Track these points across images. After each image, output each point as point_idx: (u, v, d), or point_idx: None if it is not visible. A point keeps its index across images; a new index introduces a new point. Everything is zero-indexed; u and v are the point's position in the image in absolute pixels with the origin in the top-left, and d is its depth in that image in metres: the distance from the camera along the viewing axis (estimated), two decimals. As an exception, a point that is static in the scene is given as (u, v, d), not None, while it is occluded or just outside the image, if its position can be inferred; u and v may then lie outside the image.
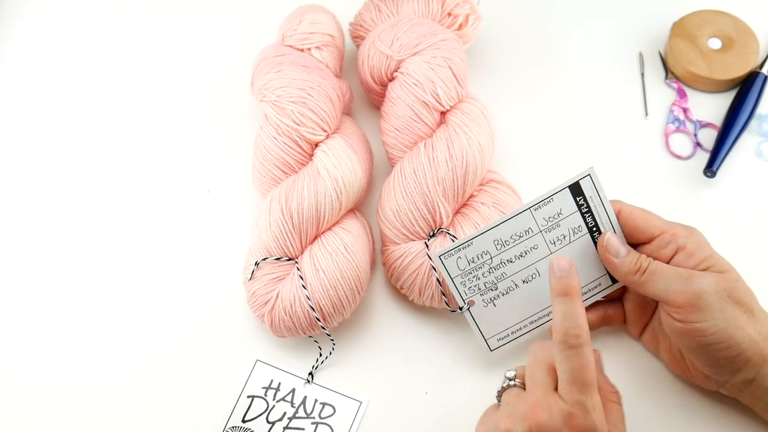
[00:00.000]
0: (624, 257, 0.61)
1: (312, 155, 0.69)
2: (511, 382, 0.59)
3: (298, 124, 0.68)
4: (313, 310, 0.65)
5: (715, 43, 0.81)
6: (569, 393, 0.54)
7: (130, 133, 0.80)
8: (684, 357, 0.63)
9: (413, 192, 0.67)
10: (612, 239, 0.62)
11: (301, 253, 0.67)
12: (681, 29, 0.82)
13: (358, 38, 0.78)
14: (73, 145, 0.79)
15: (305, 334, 0.67)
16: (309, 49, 0.74)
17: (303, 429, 0.66)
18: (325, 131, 0.69)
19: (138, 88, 0.83)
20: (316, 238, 0.68)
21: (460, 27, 0.76)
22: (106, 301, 0.71)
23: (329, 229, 0.68)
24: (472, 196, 0.70)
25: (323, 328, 0.66)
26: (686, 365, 0.64)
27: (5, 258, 0.74)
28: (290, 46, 0.74)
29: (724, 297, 0.58)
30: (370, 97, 0.77)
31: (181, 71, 0.84)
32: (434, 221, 0.67)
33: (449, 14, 0.76)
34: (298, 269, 0.66)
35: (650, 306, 0.65)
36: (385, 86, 0.73)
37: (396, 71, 0.71)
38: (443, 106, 0.70)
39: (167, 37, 0.86)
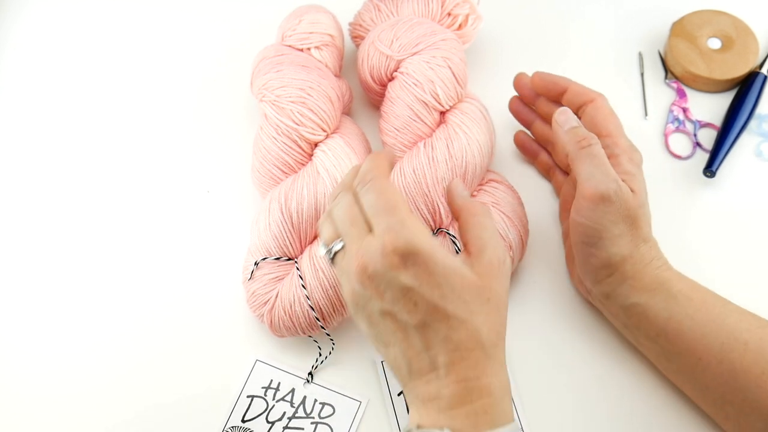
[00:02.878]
0: (571, 128, 0.63)
1: (311, 155, 0.69)
2: (332, 250, 0.57)
3: (298, 124, 0.68)
4: (313, 309, 0.65)
5: (715, 43, 0.81)
6: (376, 225, 0.53)
7: (130, 132, 0.80)
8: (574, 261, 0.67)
9: (413, 191, 0.67)
10: (566, 109, 0.65)
11: (301, 253, 0.67)
12: (681, 29, 0.82)
13: (357, 38, 0.78)
14: (72, 145, 0.79)
15: (305, 333, 0.67)
16: (308, 49, 0.74)
17: (303, 429, 0.66)
18: (324, 131, 0.69)
19: (138, 87, 0.83)
20: (315, 237, 0.68)
21: (460, 27, 0.76)
22: (106, 301, 0.71)
23: (329, 229, 0.68)
24: (472, 195, 0.69)
25: (323, 327, 0.66)
26: (574, 270, 0.68)
27: (3, 258, 0.74)
28: (290, 46, 0.74)
29: (623, 214, 0.61)
30: (369, 96, 0.77)
31: (181, 71, 0.84)
32: (434, 221, 0.68)
33: (449, 14, 0.76)
34: (297, 269, 0.66)
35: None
36: (384, 86, 0.73)
37: (396, 71, 0.71)
38: (443, 106, 0.70)
39: (167, 36, 0.86)
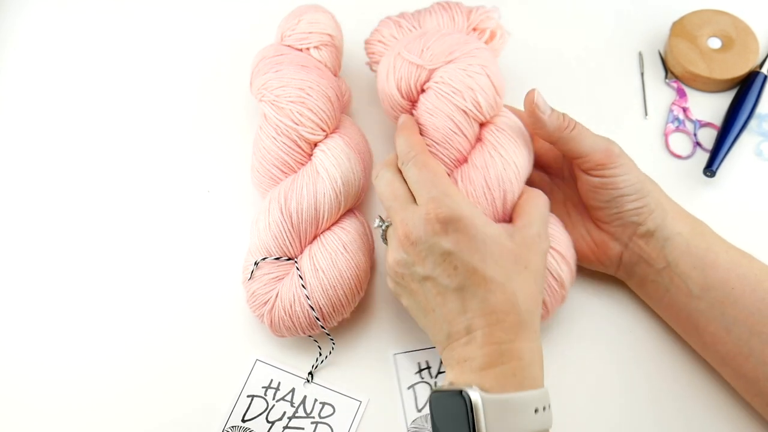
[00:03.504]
0: (551, 114, 0.64)
1: (311, 155, 0.69)
2: (383, 226, 0.63)
3: (297, 124, 0.68)
4: (313, 309, 0.65)
5: (715, 43, 0.81)
6: (419, 197, 0.60)
7: (130, 132, 0.80)
8: (589, 232, 0.68)
9: None
10: (540, 96, 0.64)
11: (301, 253, 0.67)
12: (681, 29, 0.82)
13: (374, 55, 0.75)
14: (72, 146, 0.79)
15: (305, 333, 0.67)
16: (308, 48, 0.74)
17: (303, 428, 0.66)
18: (324, 131, 0.69)
19: (137, 87, 0.83)
20: (315, 237, 0.68)
21: (486, 43, 0.73)
22: (106, 301, 0.71)
23: (328, 228, 0.68)
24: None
25: (323, 327, 0.66)
26: (591, 239, 0.68)
27: (3, 258, 0.74)
28: (289, 45, 0.74)
29: (630, 157, 0.66)
30: (393, 116, 0.71)
31: (181, 71, 0.84)
32: None
33: (474, 29, 0.73)
34: (297, 269, 0.66)
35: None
36: (412, 100, 0.69)
37: (428, 81, 0.67)
38: (484, 116, 0.66)
39: (167, 37, 0.86)
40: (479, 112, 0.66)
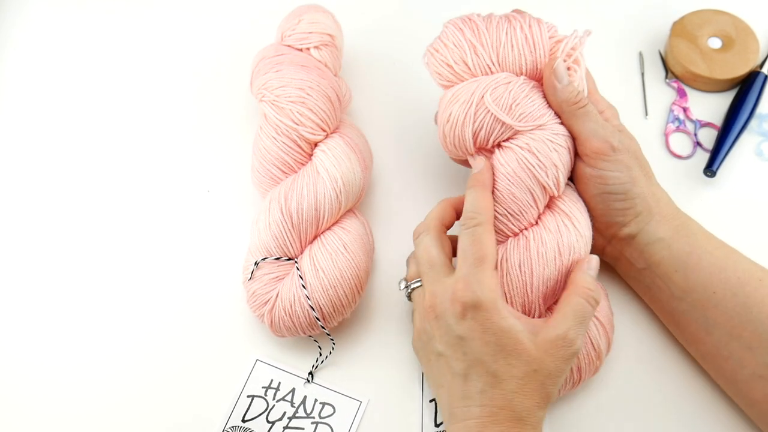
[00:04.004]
0: (567, 85, 0.63)
1: (311, 155, 0.69)
2: (409, 288, 0.64)
3: (297, 124, 0.68)
4: (313, 309, 0.65)
5: (715, 43, 0.81)
6: (459, 268, 0.59)
7: (130, 132, 0.80)
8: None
9: (516, 289, 0.62)
10: (561, 65, 0.63)
11: (301, 253, 0.67)
12: (681, 29, 0.82)
13: (441, 58, 0.67)
14: (73, 146, 0.79)
15: (305, 333, 0.67)
16: (308, 48, 0.74)
17: (303, 429, 0.66)
18: (324, 131, 0.69)
19: (137, 88, 0.83)
20: (315, 237, 0.68)
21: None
22: (106, 301, 0.71)
23: (329, 228, 0.68)
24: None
25: (323, 327, 0.66)
26: None
27: (3, 258, 0.74)
28: (289, 45, 0.74)
29: (633, 156, 0.64)
30: (454, 153, 0.66)
31: (181, 71, 0.84)
32: (528, 312, 0.63)
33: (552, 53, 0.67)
34: (297, 269, 0.66)
35: None
36: (485, 149, 0.65)
37: (509, 140, 0.63)
38: (559, 193, 0.63)
39: (167, 37, 0.86)
40: (557, 189, 0.63)
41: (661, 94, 0.81)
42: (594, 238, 0.65)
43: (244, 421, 0.66)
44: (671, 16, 0.83)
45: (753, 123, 0.79)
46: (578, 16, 0.86)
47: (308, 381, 0.68)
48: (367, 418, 0.66)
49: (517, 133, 0.63)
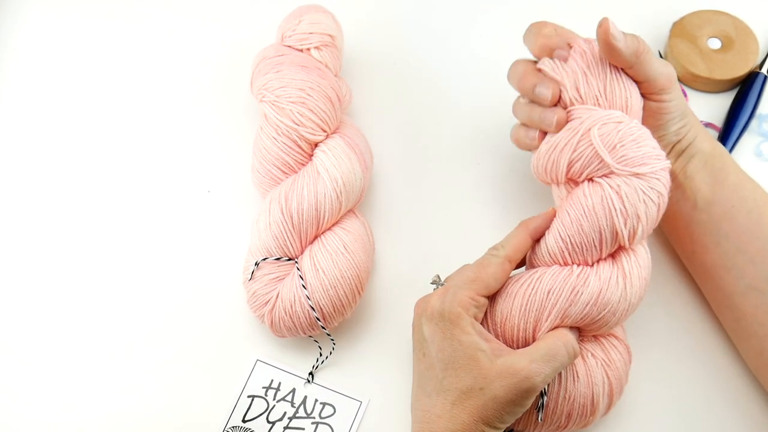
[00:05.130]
0: (625, 40, 0.62)
1: (312, 155, 0.69)
2: (439, 284, 0.64)
3: (298, 125, 0.68)
4: (313, 309, 0.65)
5: (715, 43, 0.81)
6: (454, 283, 0.62)
7: (130, 133, 0.80)
8: None
9: (532, 312, 0.61)
10: (613, 24, 0.62)
11: (301, 253, 0.67)
12: (681, 29, 0.82)
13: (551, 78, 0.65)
14: (73, 146, 0.79)
15: (305, 334, 0.67)
16: (308, 49, 0.74)
17: (303, 429, 0.66)
18: (324, 131, 0.69)
19: (138, 88, 0.83)
20: (315, 238, 0.68)
21: None
22: (106, 301, 0.71)
23: (329, 229, 0.68)
24: (583, 339, 0.63)
25: (323, 327, 0.66)
26: None
27: (4, 258, 0.74)
28: (289, 46, 0.74)
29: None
30: (542, 177, 0.65)
31: (181, 71, 0.84)
32: (531, 337, 0.61)
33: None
34: (298, 269, 0.66)
35: None
36: (572, 180, 0.63)
37: (601, 177, 0.61)
38: (630, 245, 0.61)
39: (167, 37, 0.86)
40: (630, 240, 0.60)
41: (661, 94, 0.81)
42: None
43: (244, 421, 0.66)
44: (671, 16, 0.83)
45: (753, 123, 0.79)
46: (578, 16, 0.86)
47: (308, 381, 0.68)
48: (367, 418, 0.67)
49: (612, 173, 0.60)
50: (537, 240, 0.63)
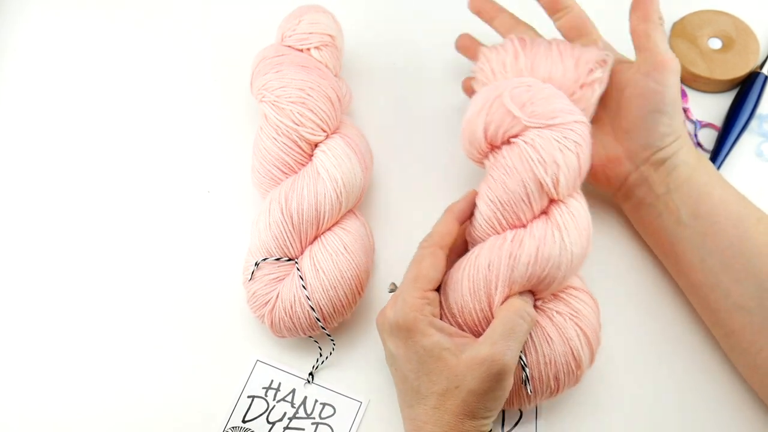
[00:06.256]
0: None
1: (312, 155, 0.69)
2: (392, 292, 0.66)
3: (298, 125, 0.68)
4: (313, 310, 0.65)
5: (715, 43, 0.81)
6: (400, 289, 0.62)
7: (130, 133, 0.80)
8: (604, 145, 0.69)
9: (480, 289, 0.61)
10: None
11: (301, 254, 0.67)
12: (681, 29, 0.82)
13: (481, 71, 0.70)
14: (73, 146, 0.79)
15: (305, 334, 0.67)
16: (308, 49, 0.74)
17: (303, 429, 0.66)
18: (324, 131, 0.69)
19: (138, 88, 0.83)
20: (315, 238, 0.68)
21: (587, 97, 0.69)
22: (106, 301, 0.71)
23: (329, 229, 0.68)
24: (542, 301, 0.64)
25: (323, 328, 0.66)
26: (604, 153, 0.69)
27: (5, 259, 0.74)
28: (289, 46, 0.74)
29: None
30: (468, 150, 0.67)
31: (181, 71, 0.84)
32: (489, 313, 0.62)
33: (582, 86, 0.67)
34: (298, 269, 0.66)
35: None
36: (494, 146, 0.64)
37: (517, 137, 0.63)
38: (558, 195, 0.62)
39: (167, 37, 0.86)
40: (555, 189, 0.61)
41: (662, 94, 0.81)
42: (621, 165, 0.68)
43: (244, 421, 0.66)
44: (671, 16, 0.83)
45: (753, 124, 0.79)
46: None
47: (308, 381, 0.68)
48: (367, 418, 0.67)
49: (526, 129, 0.62)
50: (463, 222, 0.65)
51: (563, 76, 0.66)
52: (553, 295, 0.64)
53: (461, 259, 0.64)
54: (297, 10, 0.77)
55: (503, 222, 0.63)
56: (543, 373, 0.62)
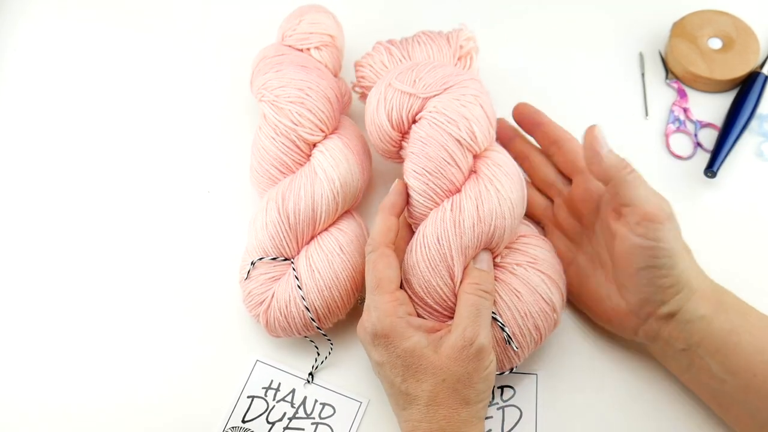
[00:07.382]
0: (609, 152, 0.61)
1: (310, 155, 0.69)
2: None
3: (296, 125, 0.68)
4: (308, 310, 0.65)
5: (716, 43, 0.81)
6: (366, 299, 0.63)
7: (130, 133, 0.80)
8: (609, 295, 0.64)
9: (436, 262, 0.62)
10: (602, 132, 0.61)
11: (297, 254, 0.67)
12: (681, 29, 0.82)
13: (363, 79, 0.74)
14: (73, 146, 0.80)
15: (300, 334, 0.67)
16: (308, 49, 0.74)
17: (303, 429, 0.66)
18: (322, 132, 0.69)
19: (138, 88, 0.83)
20: (312, 238, 0.68)
21: (464, 68, 0.73)
22: (106, 301, 0.72)
23: (326, 229, 0.68)
24: (499, 257, 0.65)
25: (318, 328, 0.66)
26: (610, 303, 0.64)
27: (6, 258, 0.74)
28: (290, 46, 0.74)
29: (678, 227, 0.61)
30: (382, 148, 0.69)
31: (182, 71, 0.84)
32: (453, 284, 0.63)
33: (459, 58, 0.72)
34: (293, 269, 0.66)
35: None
36: (403, 132, 0.66)
37: (421, 111, 0.65)
38: (479, 147, 0.64)
39: (167, 37, 0.86)
40: (474, 142, 0.63)
41: (662, 94, 0.81)
42: (625, 319, 0.63)
43: (244, 421, 0.66)
44: (671, 16, 0.83)
45: (753, 123, 0.79)
46: (578, 16, 0.86)
47: (308, 381, 0.68)
48: (367, 418, 0.66)
49: (426, 101, 0.64)
50: (399, 214, 0.64)
51: (439, 53, 0.70)
52: (508, 248, 0.65)
53: (410, 243, 0.64)
54: (297, 10, 0.77)
55: (437, 190, 0.64)
56: (522, 327, 0.62)
